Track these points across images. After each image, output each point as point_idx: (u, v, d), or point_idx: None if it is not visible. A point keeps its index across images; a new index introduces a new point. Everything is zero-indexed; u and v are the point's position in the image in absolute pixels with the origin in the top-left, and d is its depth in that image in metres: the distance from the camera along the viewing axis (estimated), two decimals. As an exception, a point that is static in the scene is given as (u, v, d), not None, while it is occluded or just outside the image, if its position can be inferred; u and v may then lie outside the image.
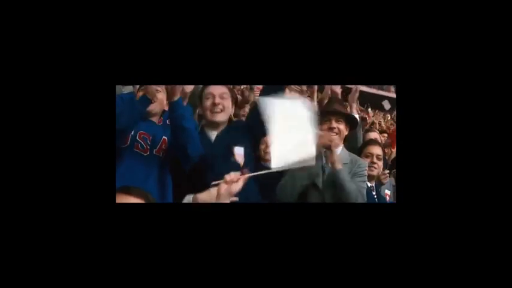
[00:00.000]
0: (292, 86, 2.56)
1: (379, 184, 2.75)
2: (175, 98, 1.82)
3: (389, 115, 11.21)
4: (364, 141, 2.93)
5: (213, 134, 2.03)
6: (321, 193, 1.96)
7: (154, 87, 1.89)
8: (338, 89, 2.84)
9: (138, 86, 2.14)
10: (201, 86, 2.15)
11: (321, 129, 2.03)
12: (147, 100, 1.89)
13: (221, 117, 2.02)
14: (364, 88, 12.19)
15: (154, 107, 1.98)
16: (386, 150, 3.74)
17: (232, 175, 1.38)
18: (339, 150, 2.09)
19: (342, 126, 2.11)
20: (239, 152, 1.95)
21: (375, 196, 2.55)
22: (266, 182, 2.24)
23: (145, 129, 1.96)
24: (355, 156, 2.20)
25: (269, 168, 1.45)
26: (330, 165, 1.97)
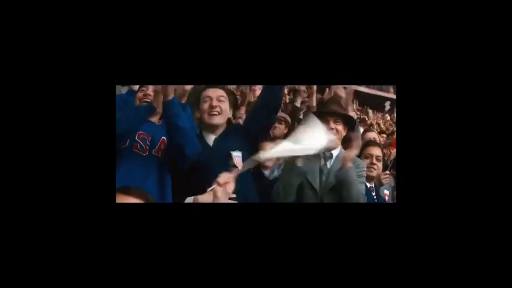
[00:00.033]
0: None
1: (379, 185, 2.75)
2: (169, 98, 1.82)
3: (388, 116, 11.23)
4: (363, 143, 2.93)
5: (211, 138, 2.02)
6: (318, 195, 1.95)
7: (160, 92, 1.88)
8: (341, 91, 2.84)
9: (138, 87, 2.15)
10: (200, 86, 2.15)
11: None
12: (152, 108, 1.89)
13: (218, 119, 2.01)
14: (363, 89, 12.21)
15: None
16: (385, 151, 3.74)
17: (223, 177, 1.39)
18: (337, 151, 2.09)
19: (340, 127, 2.10)
20: (237, 155, 1.95)
21: (375, 197, 2.55)
22: (264, 182, 2.25)
23: (144, 129, 1.97)
24: (354, 157, 2.20)
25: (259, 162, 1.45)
26: (342, 163, 1.94)
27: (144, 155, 1.94)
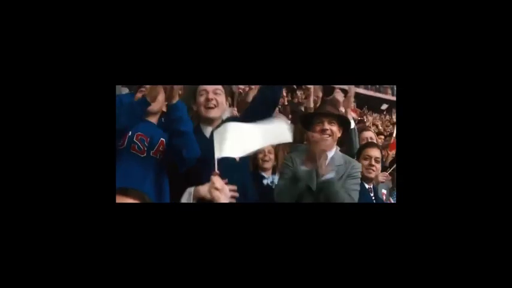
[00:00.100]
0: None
1: (378, 186, 2.75)
2: (174, 101, 1.81)
3: (385, 116, 11.25)
4: (362, 144, 2.93)
5: (208, 130, 2.02)
6: (315, 196, 1.95)
7: (156, 88, 1.87)
8: (339, 95, 2.83)
9: (137, 86, 2.13)
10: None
11: (314, 133, 2.03)
12: (146, 102, 1.88)
13: (215, 113, 2.02)
14: (361, 90, 12.22)
15: (152, 107, 1.97)
16: (383, 152, 3.73)
17: (218, 184, 1.43)
18: (333, 152, 2.08)
19: (334, 128, 2.10)
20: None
21: (373, 198, 2.55)
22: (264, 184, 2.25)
23: (142, 130, 1.94)
24: (349, 158, 2.19)
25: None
26: (319, 171, 1.93)
27: (142, 156, 1.93)
